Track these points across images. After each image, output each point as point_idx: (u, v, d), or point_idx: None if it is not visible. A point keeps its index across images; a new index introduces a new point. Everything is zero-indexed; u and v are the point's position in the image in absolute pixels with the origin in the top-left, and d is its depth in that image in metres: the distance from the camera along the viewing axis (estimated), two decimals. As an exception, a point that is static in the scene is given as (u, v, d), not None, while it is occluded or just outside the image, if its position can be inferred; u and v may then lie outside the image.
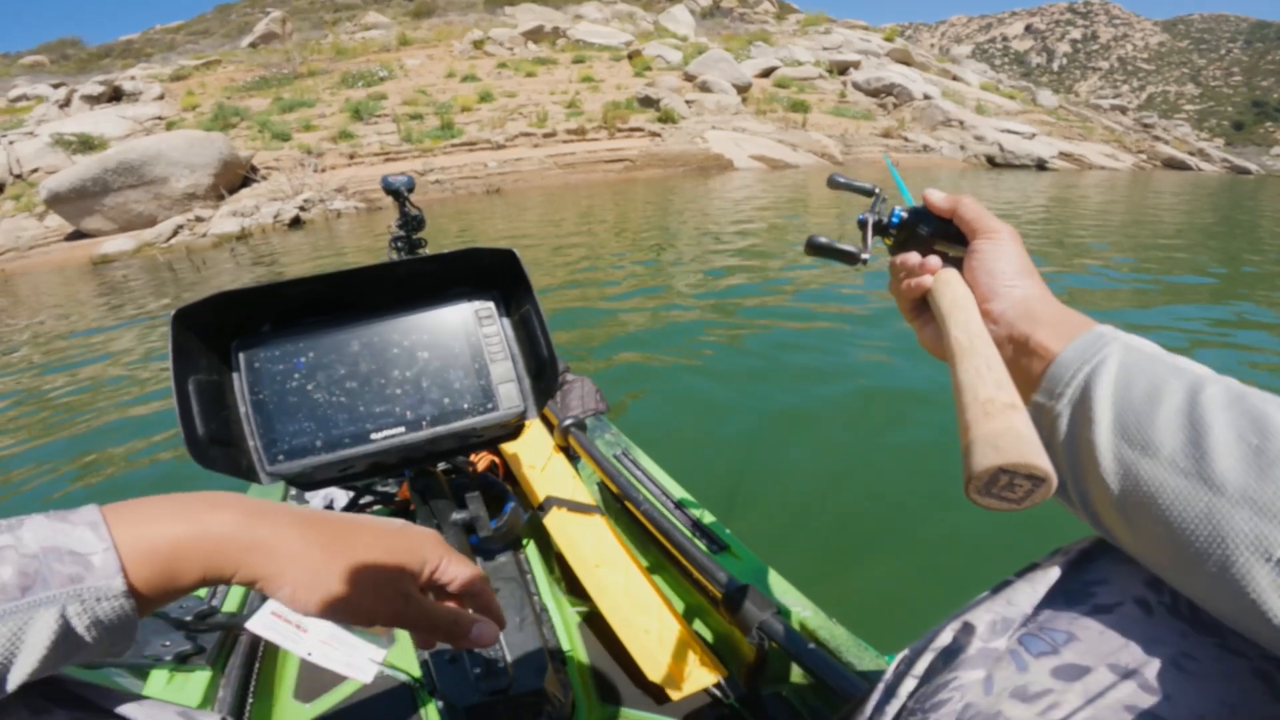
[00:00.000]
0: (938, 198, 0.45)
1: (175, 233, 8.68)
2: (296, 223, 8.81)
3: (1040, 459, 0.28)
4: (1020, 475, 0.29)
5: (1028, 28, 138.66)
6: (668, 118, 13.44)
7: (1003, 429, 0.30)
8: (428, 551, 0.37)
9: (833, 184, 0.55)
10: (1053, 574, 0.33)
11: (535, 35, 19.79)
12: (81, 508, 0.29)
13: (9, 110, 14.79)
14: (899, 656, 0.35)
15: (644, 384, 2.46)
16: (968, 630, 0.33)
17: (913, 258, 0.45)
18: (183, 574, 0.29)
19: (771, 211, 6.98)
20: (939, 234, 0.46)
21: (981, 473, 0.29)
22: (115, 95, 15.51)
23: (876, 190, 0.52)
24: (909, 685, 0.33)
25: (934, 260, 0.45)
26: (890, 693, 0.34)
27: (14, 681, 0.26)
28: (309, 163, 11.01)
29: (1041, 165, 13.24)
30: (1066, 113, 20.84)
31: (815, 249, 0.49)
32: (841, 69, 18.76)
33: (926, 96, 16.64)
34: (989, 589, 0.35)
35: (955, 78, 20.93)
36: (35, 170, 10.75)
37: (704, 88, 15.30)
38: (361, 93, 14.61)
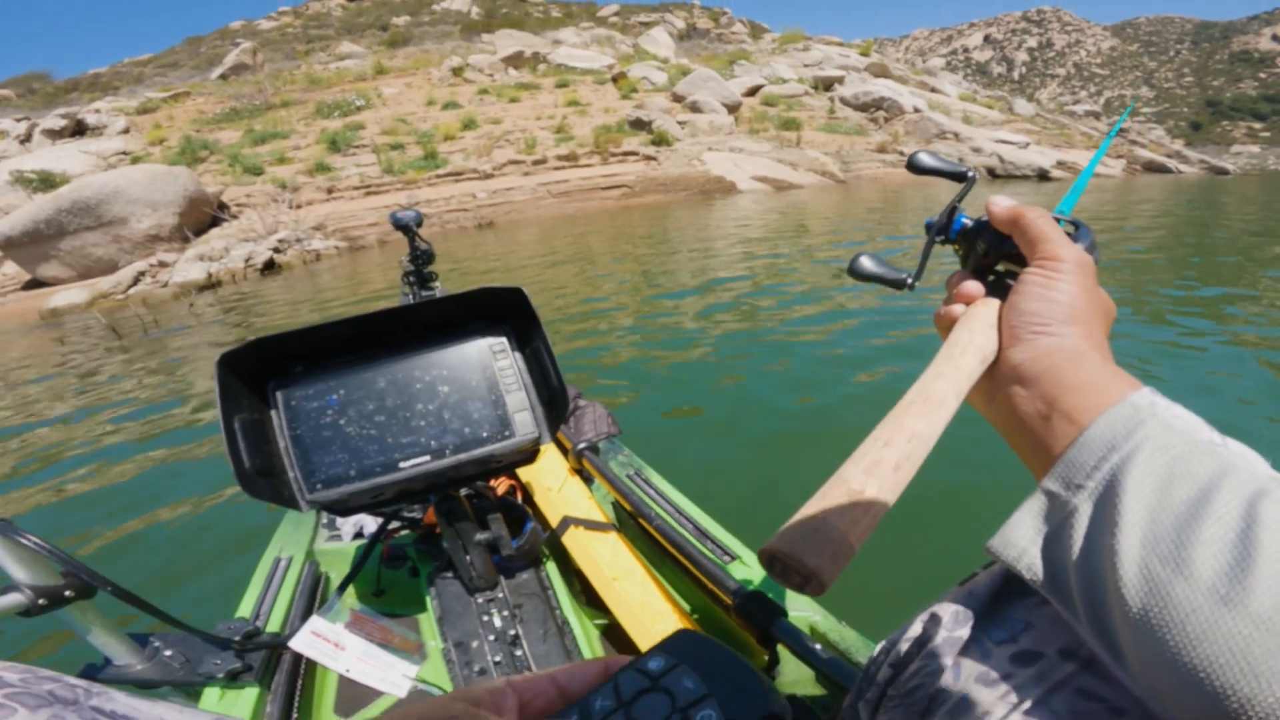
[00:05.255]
0: (999, 207, 0.36)
1: (135, 280, 7.89)
2: (271, 266, 8.06)
3: (812, 558, 0.28)
4: (791, 569, 0.29)
5: (986, 38, 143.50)
6: (661, 140, 13.00)
7: (811, 519, 0.29)
8: None
9: (916, 168, 0.41)
10: None
11: (515, 61, 19.39)
12: None
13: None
14: (878, 646, 0.36)
15: (660, 406, 2.46)
16: (935, 621, 0.34)
17: (958, 279, 0.38)
18: None
19: (790, 231, 6.46)
20: (997, 252, 0.37)
21: (762, 552, 0.30)
22: (78, 129, 14.76)
23: (971, 174, 0.39)
24: (886, 673, 0.35)
25: (971, 287, 0.37)
26: (870, 680, 0.35)
27: None
28: (283, 198, 10.29)
29: (1044, 175, 13.03)
30: (1044, 120, 20.96)
31: (859, 275, 0.41)
32: (826, 85, 18.64)
33: (916, 109, 16.50)
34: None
35: (934, 89, 20.96)
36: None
37: (694, 108, 14.94)
38: (338, 123, 13.98)
